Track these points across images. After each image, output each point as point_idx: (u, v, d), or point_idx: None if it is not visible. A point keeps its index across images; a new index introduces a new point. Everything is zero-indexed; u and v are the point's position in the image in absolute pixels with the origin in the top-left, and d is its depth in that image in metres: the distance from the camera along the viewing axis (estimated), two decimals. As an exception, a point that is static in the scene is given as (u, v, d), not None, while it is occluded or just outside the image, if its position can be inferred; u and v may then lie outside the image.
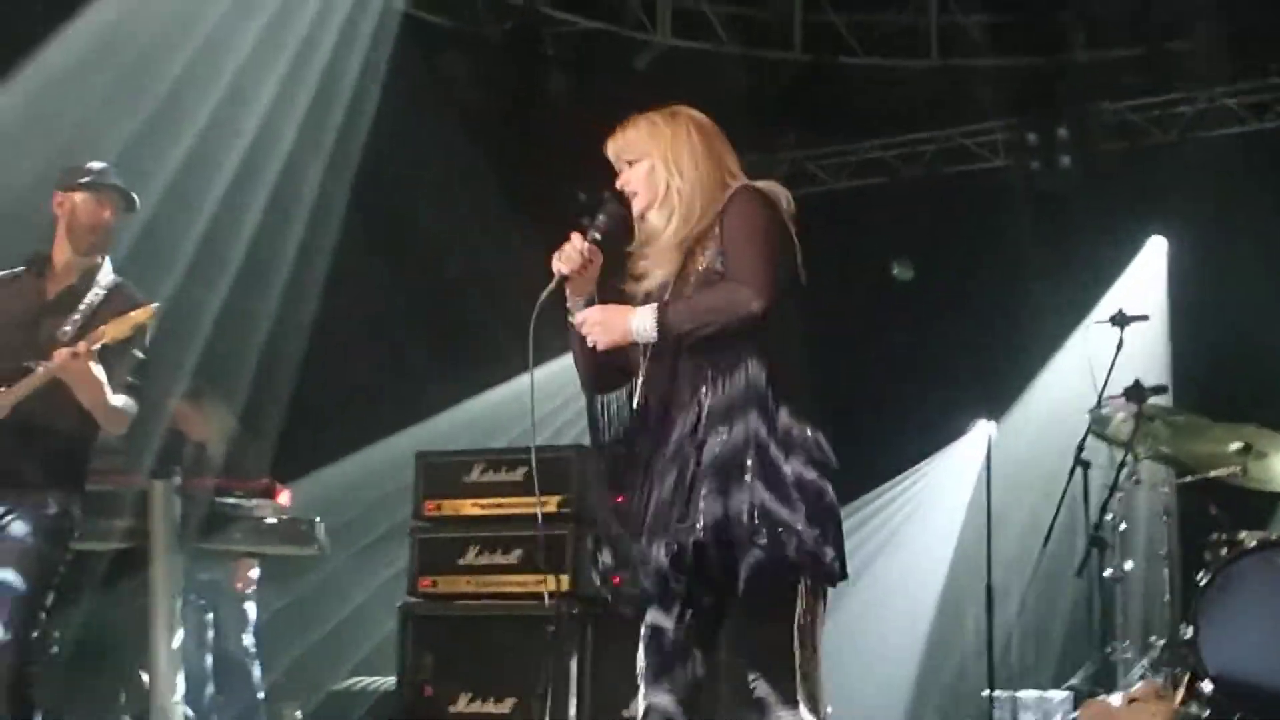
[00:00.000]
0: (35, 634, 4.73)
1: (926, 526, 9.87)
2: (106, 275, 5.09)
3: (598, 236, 3.57)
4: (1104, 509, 6.80)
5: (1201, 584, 6.21)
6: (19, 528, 4.76)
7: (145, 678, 5.78)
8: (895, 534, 9.72)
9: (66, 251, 5.03)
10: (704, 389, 3.40)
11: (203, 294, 7.79)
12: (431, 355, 9.45)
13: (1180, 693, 6.16)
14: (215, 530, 6.01)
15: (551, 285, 3.54)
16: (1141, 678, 6.58)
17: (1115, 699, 6.19)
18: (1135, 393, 6.75)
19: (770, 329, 3.39)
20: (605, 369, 3.59)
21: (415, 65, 8.73)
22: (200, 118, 7.73)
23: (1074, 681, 7.44)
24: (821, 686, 3.34)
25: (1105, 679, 6.65)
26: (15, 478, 4.79)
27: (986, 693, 6.36)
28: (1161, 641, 6.76)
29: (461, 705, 6.14)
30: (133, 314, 4.82)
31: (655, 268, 3.54)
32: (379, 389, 9.21)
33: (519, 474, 6.36)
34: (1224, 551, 6.26)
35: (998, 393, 9.09)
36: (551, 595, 5.95)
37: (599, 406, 3.61)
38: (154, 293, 5.22)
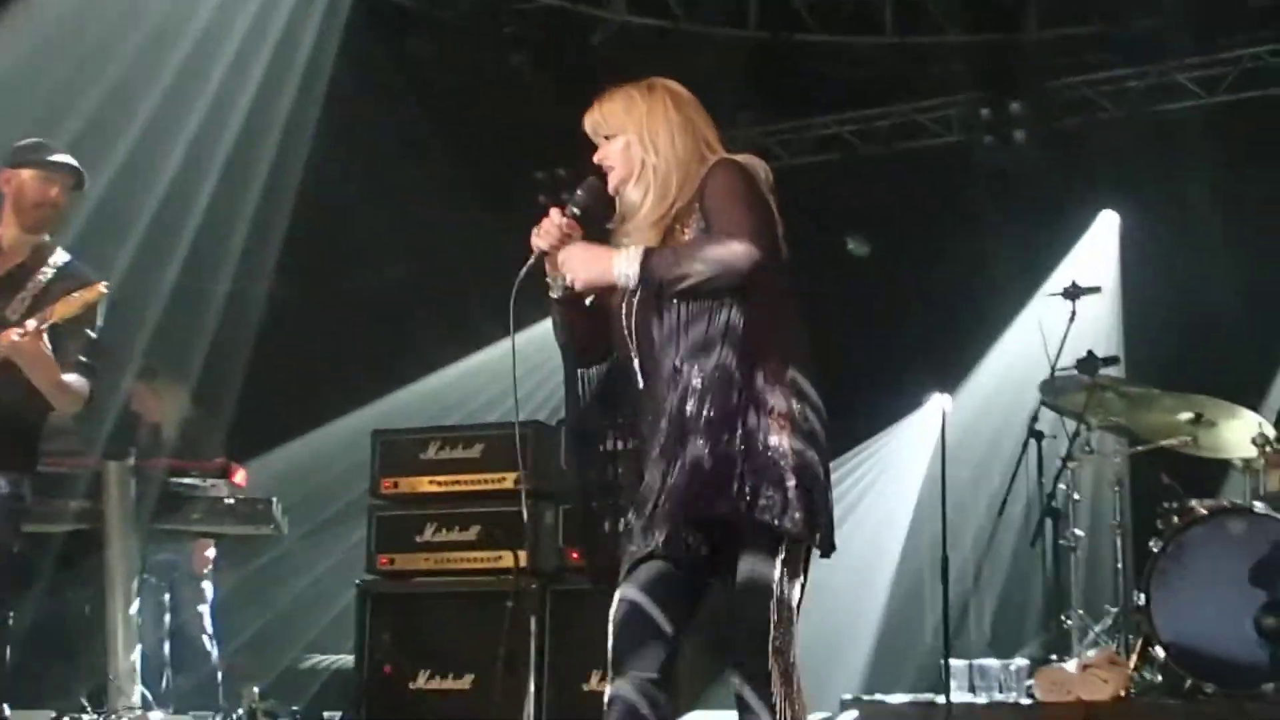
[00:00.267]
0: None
1: (882, 499, 9.92)
2: (58, 254, 5.05)
3: (577, 211, 3.51)
4: (1057, 479, 6.87)
5: (1154, 551, 6.28)
6: (-31, 509, 4.72)
7: (103, 658, 5.76)
8: (852, 509, 9.76)
9: (14, 229, 4.99)
10: (693, 362, 3.34)
11: (155, 273, 7.74)
12: (387, 333, 9.43)
13: (1134, 659, 6.25)
14: (171, 511, 6.00)
15: (531, 261, 3.48)
16: (1095, 645, 6.66)
17: (1070, 666, 6.26)
18: (1088, 364, 6.82)
19: (762, 299, 3.33)
20: (588, 341, 3.57)
21: (373, 43, 8.68)
22: (153, 97, 7.67)
23: (1029, 649, 7.52)
24: (796, 661, 3.32)
25: (1060, 647, 6.71)
26: (-34, 459, 4.76)
27: (943, 662, 6.40)
28: (1115, 609, 6.84)
29: (420, 682, 6.15)
30: (82, 292, 4.79)
31: (634, 245, 3.45)
32: (334, 367, 9.18)
33: (476, 451, 6.37)
34: (1176, 520, 6.33)
35: (952, 366, 9.14)
36: (510, 571, 5.95)
37: (580, 381, 3.59)
38: (107, 271, 5.19)
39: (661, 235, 3.44)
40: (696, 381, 3.33)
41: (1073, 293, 7.10)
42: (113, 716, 5.61)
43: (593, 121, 3.59)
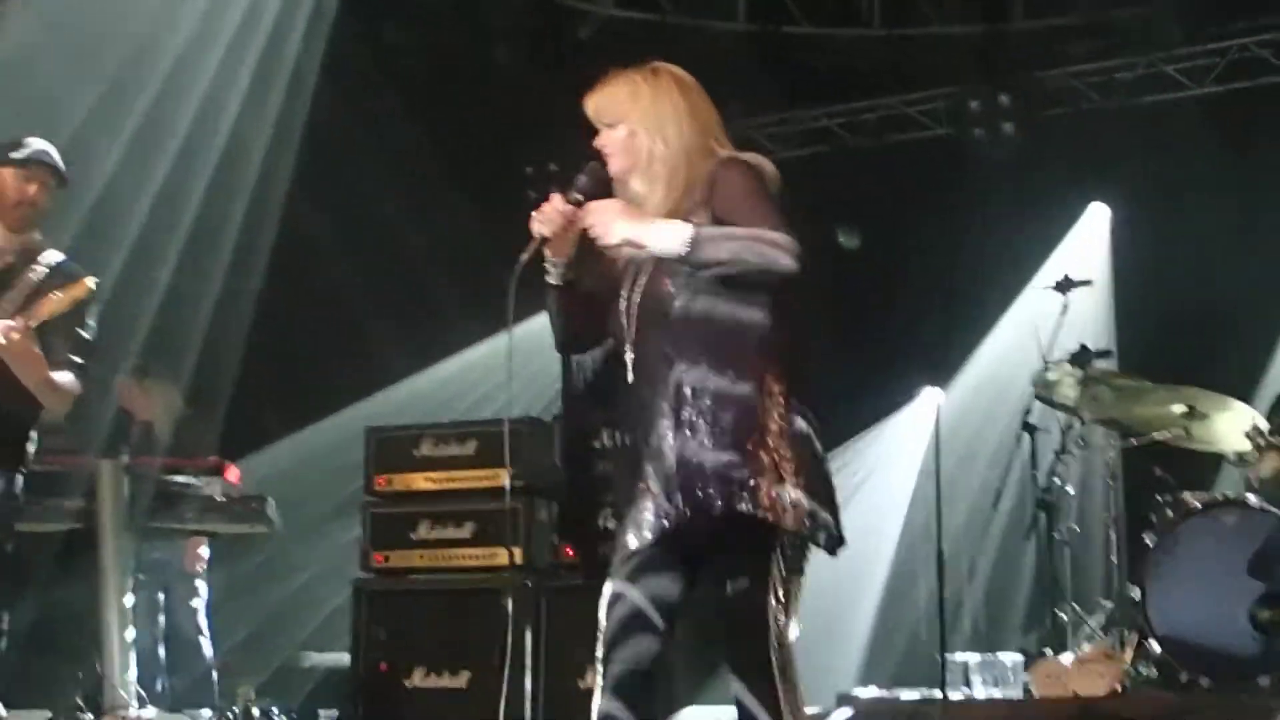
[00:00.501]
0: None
1: (876, 493, 9.93)
2: (50, 254, 5.04)
3: (579, 197, 3.44)
4: (1051, 473, 6.88)
5: (1148, 545, 6.29)
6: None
7: (98, 658, 5.74)
8: (845, 503, 9.74)
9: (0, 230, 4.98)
10: (694, 359, 3.32)
11: (149, 272, 7.72)
12: (380, 329, 9.41)
13: (1128, 653, 6.24)
14: (164, 509, 5.97)
15: (531, 247, 3.43)
16: (1090, 639, 6.67)
17: (1065, 660, 6.26)
18: (1080, 357, 6.82)
19: (769, 301, 3.32)
20: (582, 328, 3.55)
21: (360, 37, 8.66)
22: (145, 97, 7.64)
23: (1024, 643, 7.54)
24: (793, 659, 3.31)
25: (1055, 640, 6.72)
26: (-46, 457, 4.74)
27: (938, 656, 6.41)
28: (1109, 603, 6.85)
29: (416, 679, 6.15)
30: (70, 289, 4.77)
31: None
32: (327, 364, 9.16)
33: (470, 447, 6.35)
34: (1169, 513, 6.33)
35: (944, 359, 9.15)
36: (506, 568, 5.94)
37: (574, 367, 3.57)
38: (101, 272, 5.16)
39: None
40: (696, 380, 3.32)
41: (1064, 285, 7.12)
42: (107, 716, 5.59)
43: (595, 107, 3.51)
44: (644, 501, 3.34)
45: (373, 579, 6.39)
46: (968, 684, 6.70)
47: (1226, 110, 9.21)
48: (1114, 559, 6.89)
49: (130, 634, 5.80)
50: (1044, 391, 7.01)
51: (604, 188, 3.49)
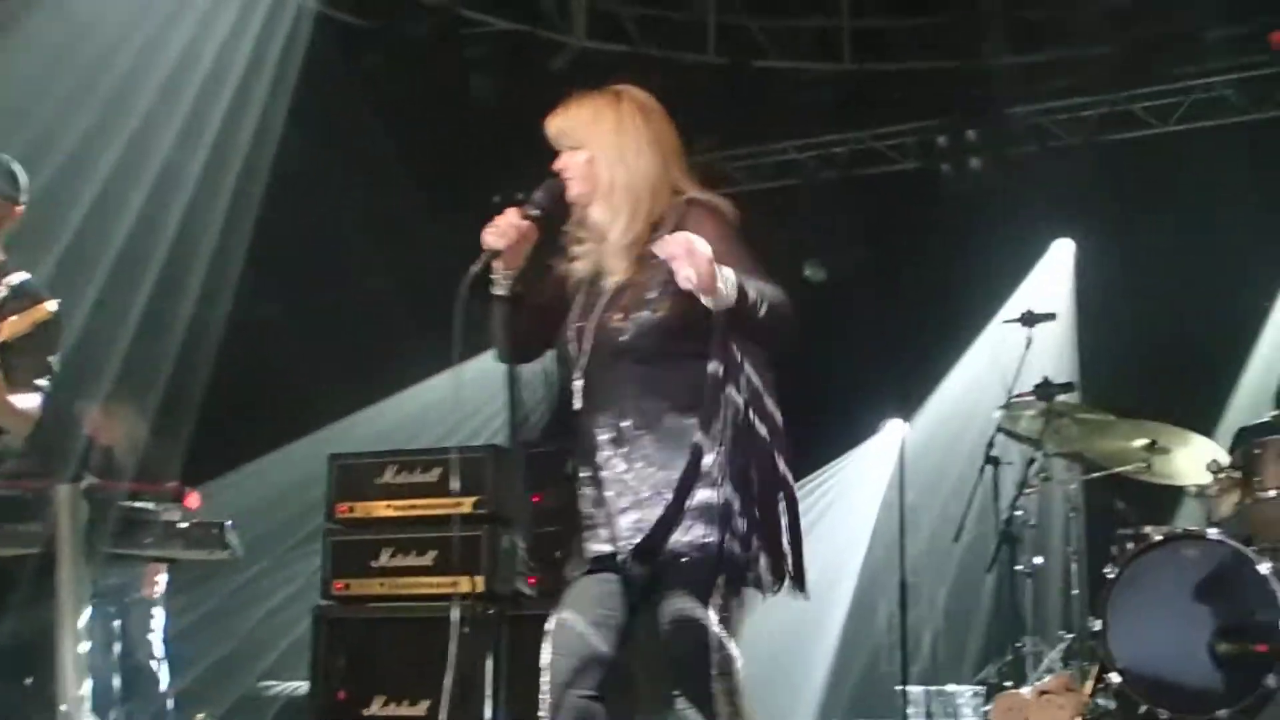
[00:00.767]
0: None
1: (839, 525, 9.94)
2: (14, 275, 4.99)
3: (535, 213, 3.41)
4: (1014, 505, 6.90)
5: (1109, 578, 6.30)
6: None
7: (54, 686, 5.68)
8: (808, 533, 9.78)
9: None
10: (653, 393, 3.30)
11: (123, 299, 7.70)
12: (345, 357, 9.39)
13: (1089, 685, 6.25)
14: (123, 535, 5.90)
15: (482, 259, 3.38)
16: (1051, 671, 6.68)
17: (1026, 692, 6.27)
18: (1043, 390, 6.86)
19: (735, 341, 3.28)
20: (527, 340, 3.51)
21: (332, 66, 8.66)
22: (125, 130, 7.65)
23: (985, 675, 7.54)
24: (740, 687, 3.28)
25: (1016, 672, 6.73)
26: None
27: (900, 688, 6.41)
28: (1070, 635, 6.86)
29: (375, 708, 6.10)
30: (31, 311, 4.73)
31: (610, 271, 3.38)
32: (291, 391, 9.12)
33: (433, 475, 6.32)
34: (1130, 545, 6.35)
35: (908, 392, 9.18)
36: (465, 596, 5.91)
37: (517, 381, 3.54)
38: (74, 297, 5.13)
39: (636, 259, 3.36)
40: (644, 412, 3.30)
41: (1029, 319, 7.16)
42: (61, 745, 5.53)
43: (556, 129, 3.49)
44: (589, 530, 3.33)
45: (333, 606, 6.34)
46: (929, 716, 6.71)
47: (1190, 149, 9.29)
48: (1075, 591, 6.91)
49: (85, 661, 5.74)
50: (1007, 424, 7.04)
51: (561, 204, 3.46)
